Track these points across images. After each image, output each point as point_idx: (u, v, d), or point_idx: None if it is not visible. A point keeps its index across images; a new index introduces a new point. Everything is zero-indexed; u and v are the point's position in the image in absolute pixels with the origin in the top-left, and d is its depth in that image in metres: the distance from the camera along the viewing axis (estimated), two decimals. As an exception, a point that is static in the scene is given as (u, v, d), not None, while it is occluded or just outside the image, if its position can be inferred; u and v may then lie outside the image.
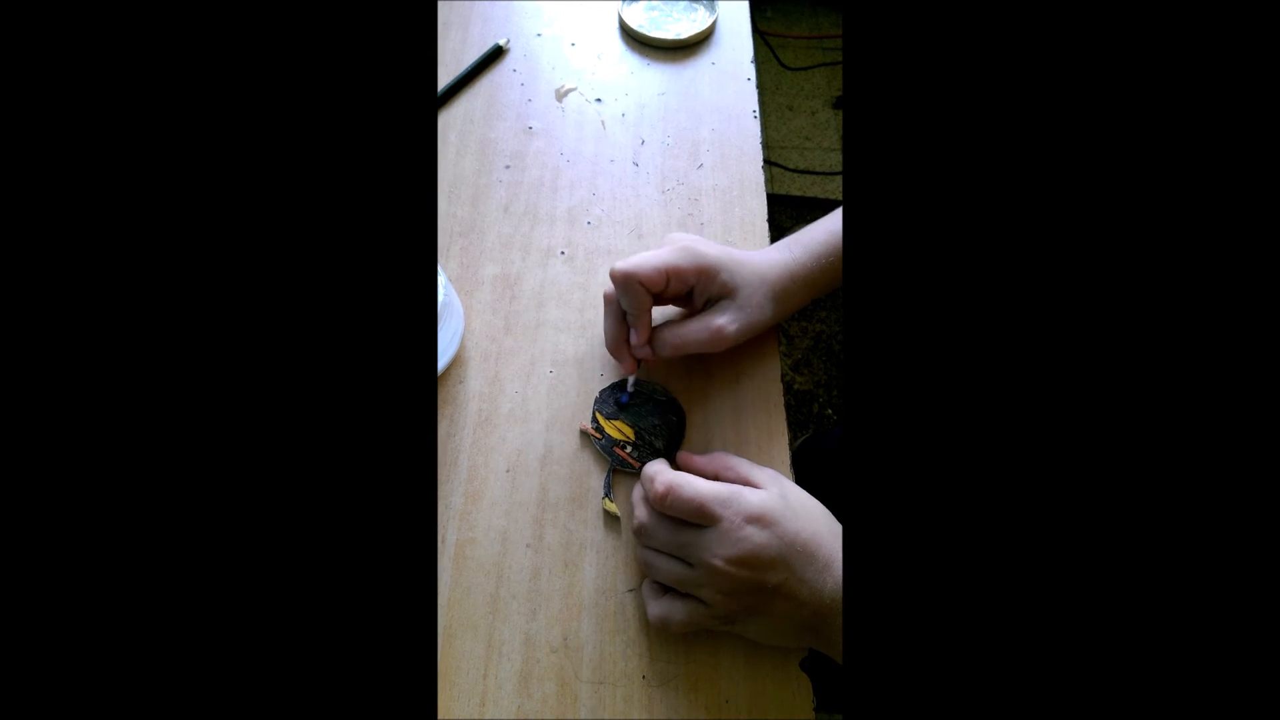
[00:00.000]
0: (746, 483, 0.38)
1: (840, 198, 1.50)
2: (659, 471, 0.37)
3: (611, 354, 0.43)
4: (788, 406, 1.27)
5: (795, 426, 1.25)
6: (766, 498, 0.35)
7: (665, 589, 0.37)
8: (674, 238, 0.43)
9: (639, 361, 0.43)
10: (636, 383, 0.45)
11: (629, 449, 0.43)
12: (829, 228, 0.45)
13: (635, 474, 0.43)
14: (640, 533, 0.37)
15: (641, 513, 0.37)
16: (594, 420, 0.44)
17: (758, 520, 0.34)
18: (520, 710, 0.37)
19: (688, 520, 0.36)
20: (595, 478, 0.43)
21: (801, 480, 0.40)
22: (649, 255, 0.40)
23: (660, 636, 0.38)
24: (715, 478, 0.39)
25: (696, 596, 0.36)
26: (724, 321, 0.41)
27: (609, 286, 0.42)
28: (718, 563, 0.34)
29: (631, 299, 0.40)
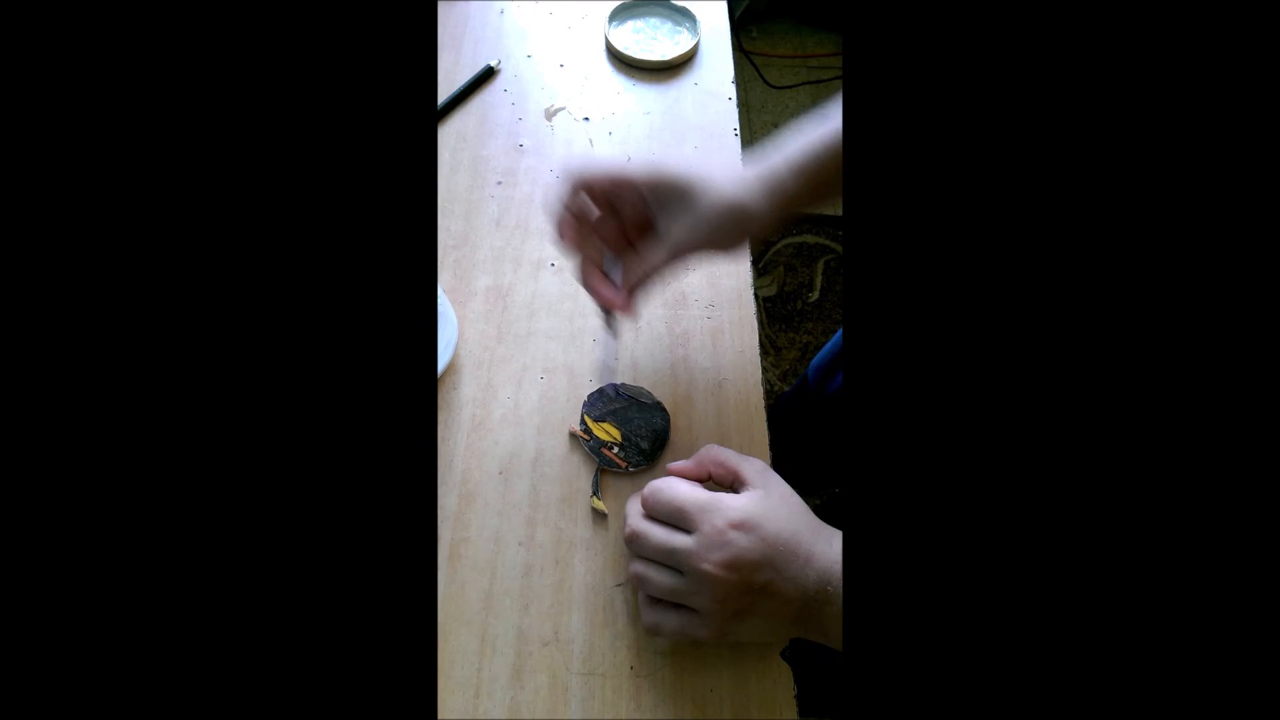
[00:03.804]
0: (736, 475, 0.39)
1: (824, 212, 1.53)
2: (651, 480, 0.39)
3: (584, 284, 0.42)
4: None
5: (783, 436, 1.27)
6: (747, 503, 0.36)
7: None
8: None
9: (609, 312, 0.42)
10: (624, 385, 0.47)
11: (616, 450, 0.45)
12: (820, 130, 0.41)
13: (623, 474, 0.45)
14: (631, 540, 0.38)
15: (633, 522, 0.38)
16: (583, 423, 0.46)
17: (740, 526, 0.35)
18: (513, 702, 0.38)
19: (671, 523, 0.37)
20: (584, 478, 0.45)
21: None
22: (602, 159, 0.39)
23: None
24: (707, 477, 0.40)
25: (688, 606, 0.37)
26: (671, 230, 0.39)
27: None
28: (707, 567, 0.35)
29: (574, 199, 0.39)
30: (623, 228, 0.41)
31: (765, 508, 0.37)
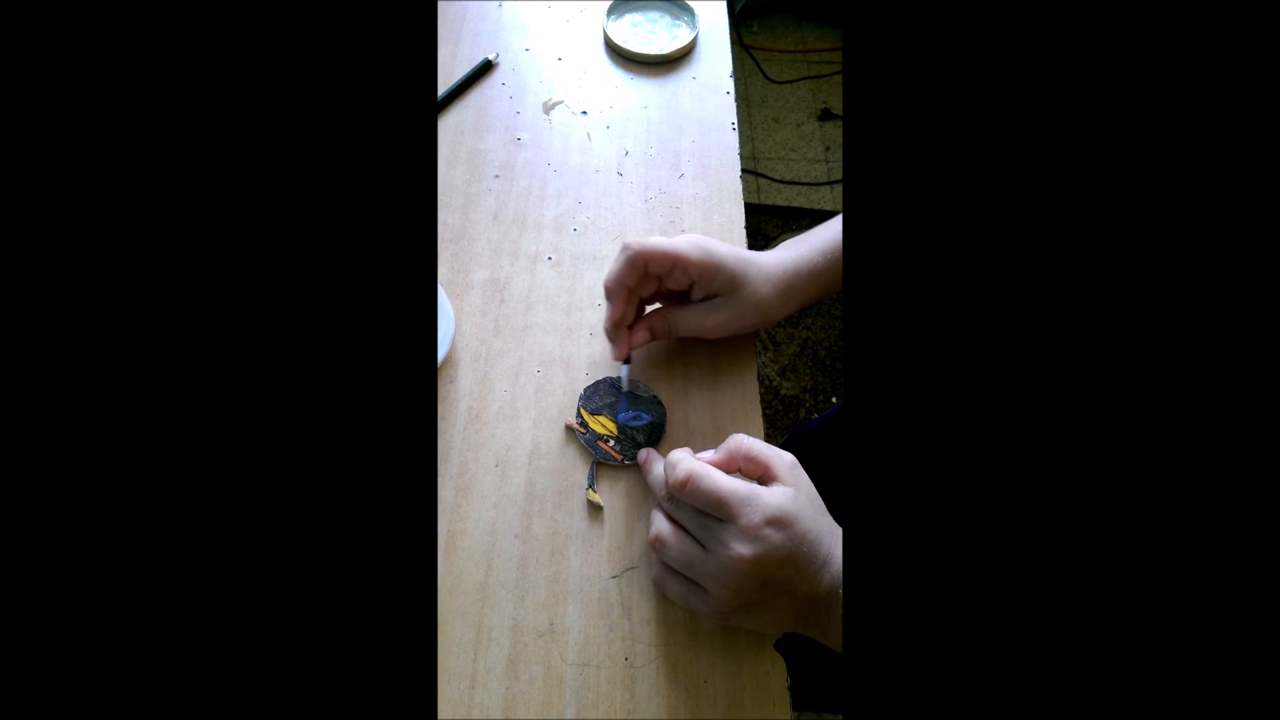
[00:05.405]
0: (767, 469, 0.38)
1: (824, 207, 1.53)
2: (681, 459, 0.37)
3: (609, 334, 0.46)
4: (775, 412, 1.29)
5: (782, 431, 1.27)
6: (784, 498, 0.36)
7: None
8: (685, 235, 0.45)
9: (627, 359, 0.46)
10: (629, 381, 0.47)
11: (612, 443, 0.45)
12: (836, 228, 0.48)
13: (618, 466, 0.45)
14: (665, 501, 0.38)
15: (661, 492, 0.38)
16: (579, 416, 0.46)
17: (775, 522, 0.35)
18: (508, 693, 0.39)
19: (706, 511, 0.36)
20: (580, 471, 0.45)
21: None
22: (661, 240, 0.43)
23: (641, 621, 0.40)
24: (735, 471, 0.39)
25: (699, 583, 0.37)
26: (708, 315, 0.45)
27: (609, 274, 0.44)
28: (734, 558, 0.34)
29: (633, 273, 0.43)
30: (659, 290, 0.46)
31: (798, 506, 0.36)
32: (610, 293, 0.44)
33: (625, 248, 0.43)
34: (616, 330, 0.45)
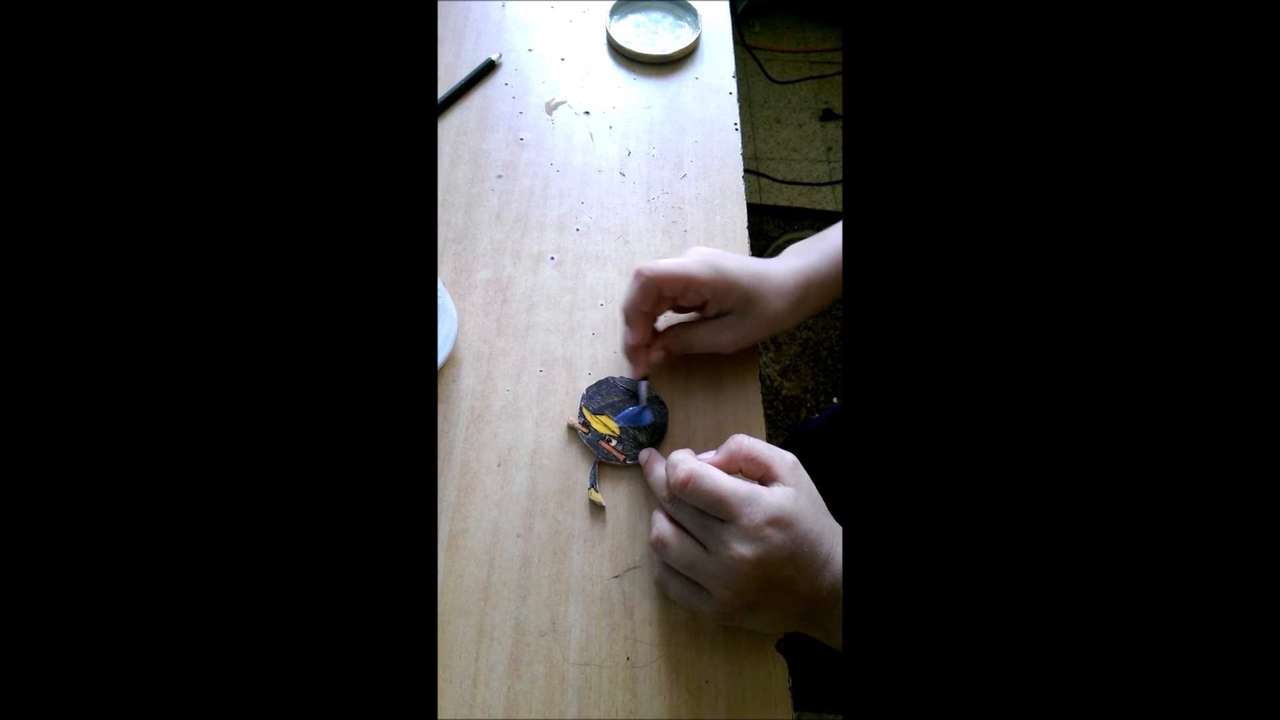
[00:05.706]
0: (768, 470, 0.38)
1: (826, 208, 1.53)
2: (682, 460, 0.38)
3: (629, 356, 0.46)
4: (776, 412, 1.29)
5: (783, 431, 1.27)
6: (785, 499, 0.36)
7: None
8: (695, 251, 0.45)
9: (645, 376, 0.46)
10: (624, 379, 0.47)
11: (614, 443, 0.45)
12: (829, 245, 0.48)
13: (620, 466, 0.45)
14: (667, 502, 0.38)
15: (663, 494, 0.38)
16: (581, 416, 0.46)
17: (776, 522, 0.35)
18: (510, 692, 0.39)
19: (706, 512, 0.36)
20: (582, 471, 0.45)
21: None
22: (673, 262, 0.43)
23: (643, 621, 0.40)
24: (736, 472, 0.39)
25: (700, 584, 0.37)
26: (722, 333, 0.46)
27: (625, 300, 0.44)
28: (734, 556, 0.34)
29: (648, 299, 0.43)
30: (672, 308, 0.47)
31: (798, 506, 0.36)
32: (628, 318, 0.44)
33: (638, 274, 0.43)
34: (635, 352, 0.45)
